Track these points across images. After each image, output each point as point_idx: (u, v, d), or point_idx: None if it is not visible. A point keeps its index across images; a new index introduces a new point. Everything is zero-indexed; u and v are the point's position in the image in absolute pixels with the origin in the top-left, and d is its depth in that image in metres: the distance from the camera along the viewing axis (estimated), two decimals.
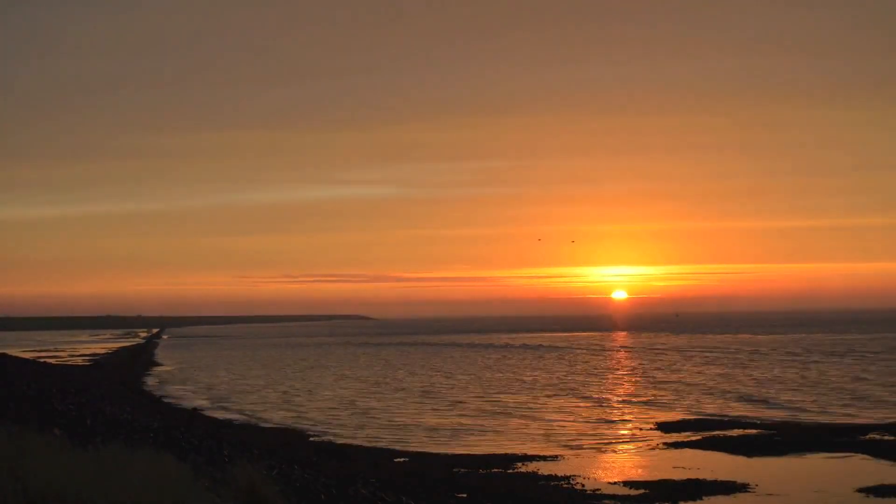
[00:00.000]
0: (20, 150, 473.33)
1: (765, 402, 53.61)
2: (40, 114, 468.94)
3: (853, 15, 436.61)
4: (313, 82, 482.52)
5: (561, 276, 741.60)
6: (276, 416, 51.45)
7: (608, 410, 51.47)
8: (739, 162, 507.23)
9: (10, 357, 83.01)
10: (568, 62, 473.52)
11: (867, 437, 37.87)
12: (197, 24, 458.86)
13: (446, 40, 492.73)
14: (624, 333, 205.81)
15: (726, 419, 45.25)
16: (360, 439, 40.96)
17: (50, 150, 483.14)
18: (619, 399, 57.74)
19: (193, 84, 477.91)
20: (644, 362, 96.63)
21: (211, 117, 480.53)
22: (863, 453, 33.86)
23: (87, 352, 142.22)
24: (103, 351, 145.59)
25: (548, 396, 59.92)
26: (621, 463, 33.73)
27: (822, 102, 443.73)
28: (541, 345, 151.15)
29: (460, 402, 57.41)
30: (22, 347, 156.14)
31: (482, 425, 45.47)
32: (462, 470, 31.47)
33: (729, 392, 59.97)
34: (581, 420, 47.23)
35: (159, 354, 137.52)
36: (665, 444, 37.72)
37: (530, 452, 35.86)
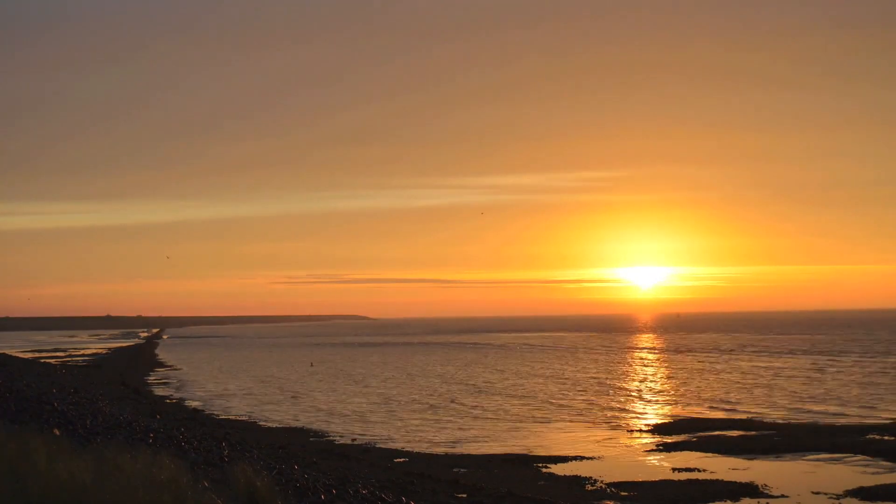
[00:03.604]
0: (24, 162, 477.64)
1: (764, 402, 53.58)
2: (48, 128, 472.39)
3: None
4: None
5: (564, 279, 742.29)
6: (276, 416, 51.45)
7: (609, 410, 51.46)
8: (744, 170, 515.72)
9: (11, 357, 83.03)
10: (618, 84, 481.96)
11: (866, 437, 37.86)
12: None
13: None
14: (626, 334, 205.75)
15: (726, 420, 45.26)
16: (360, 439, 40.96)
17: (59, 163, 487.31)
18: (620, 399, 57.72)
19: (189, 95, 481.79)
20: (645, 362, 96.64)
21: (218, 132, 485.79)
22: (862, 454, 33.84)
23: (87, 352, 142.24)
24: (103, 351, 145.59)
25: (548, 396, 59.90)
26: (622, 463, 33.70)
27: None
28: (543, 345, 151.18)
29: (460, 401, 57.44)
30: (22, 348, 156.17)
31: (483, 425, 45.49)
32: (462, 470, 31.49)
33: (729, 393, 59.97)
34: (582, 420, 47.23)
35: (160, 354, 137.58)
36: (665, 444, 37.70)
37: (531, 453, 35.88)
